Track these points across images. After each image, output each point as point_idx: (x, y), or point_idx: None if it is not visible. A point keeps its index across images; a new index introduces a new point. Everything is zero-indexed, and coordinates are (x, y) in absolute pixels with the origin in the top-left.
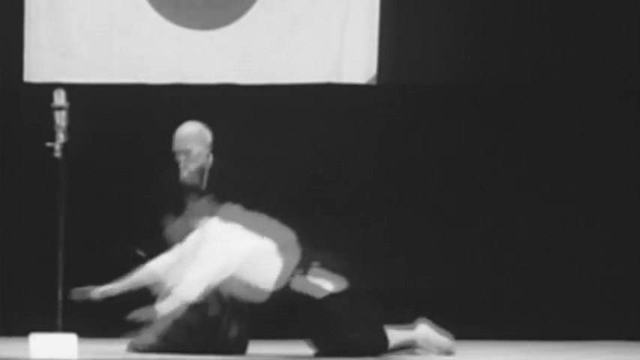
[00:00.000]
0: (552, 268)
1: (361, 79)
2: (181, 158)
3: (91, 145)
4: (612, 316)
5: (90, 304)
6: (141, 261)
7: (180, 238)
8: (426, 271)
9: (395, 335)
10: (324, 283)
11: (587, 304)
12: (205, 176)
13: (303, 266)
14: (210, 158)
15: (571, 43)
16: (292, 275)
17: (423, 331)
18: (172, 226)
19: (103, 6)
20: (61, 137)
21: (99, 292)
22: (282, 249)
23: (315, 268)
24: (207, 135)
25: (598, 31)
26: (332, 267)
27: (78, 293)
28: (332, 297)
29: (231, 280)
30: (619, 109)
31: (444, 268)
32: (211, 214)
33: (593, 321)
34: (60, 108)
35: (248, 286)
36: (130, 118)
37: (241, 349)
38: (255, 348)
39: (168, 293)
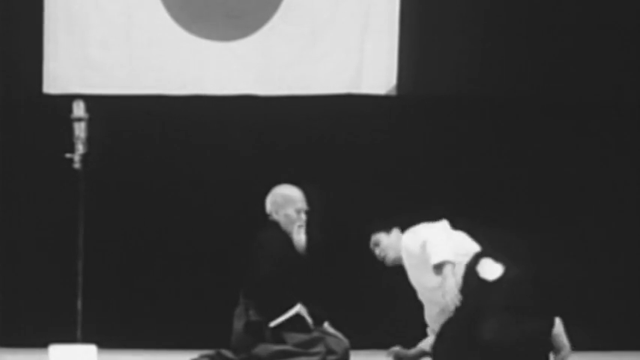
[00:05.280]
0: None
1: (381, 90)
2: None
3: (110, 156)
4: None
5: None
6: None
7: None
8: None
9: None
10: None
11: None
12: None
13: None
14: None
15: (591, 53)
16: None
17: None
18: None
19: (123, 17)
20: (80, 148)
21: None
22: None
23: None
24: None
25: (619, 42)
26: None
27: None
28: None
29: None
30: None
31: None
32: None
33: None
34: (79, 119)
35: None
36: (149, 129)
37: None
38: None
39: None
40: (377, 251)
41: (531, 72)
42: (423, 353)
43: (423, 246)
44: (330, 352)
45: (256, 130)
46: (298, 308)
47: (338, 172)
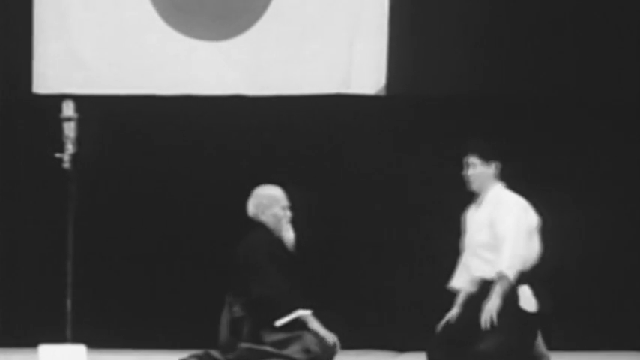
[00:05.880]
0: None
1: (370, 90)
2: None
3: (100, 156)
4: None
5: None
6: None
7: None
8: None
9: None
10: None
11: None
12: None
13: None
14: None
15: (585, 53)
16: None
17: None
18: None
19: (112, 17)
20: (70, 148)
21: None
22: None
23: None
24: None
25: (614, 40)
26: None
27: None
28: None
29: None
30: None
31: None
32: None
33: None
34: (69, 119)
35: None
36: (138, 129)
37: None
38: None
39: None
40: (468, 171)
41: (521, 71)
42: (465, 300)
43: (504, 235)
44: (305, 350)
45: (246, 130)
46: (308, 313)
47: (327, 171)
